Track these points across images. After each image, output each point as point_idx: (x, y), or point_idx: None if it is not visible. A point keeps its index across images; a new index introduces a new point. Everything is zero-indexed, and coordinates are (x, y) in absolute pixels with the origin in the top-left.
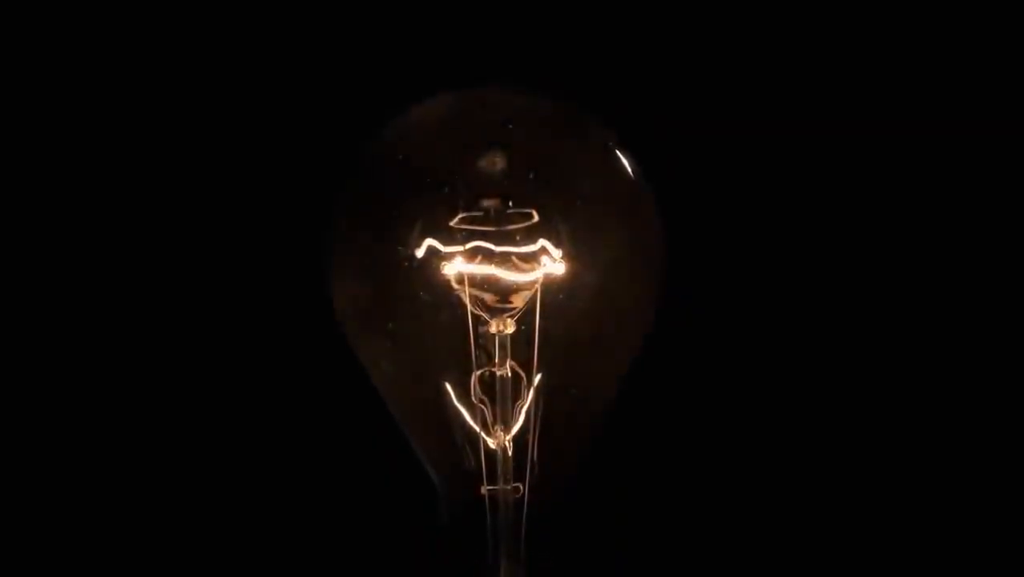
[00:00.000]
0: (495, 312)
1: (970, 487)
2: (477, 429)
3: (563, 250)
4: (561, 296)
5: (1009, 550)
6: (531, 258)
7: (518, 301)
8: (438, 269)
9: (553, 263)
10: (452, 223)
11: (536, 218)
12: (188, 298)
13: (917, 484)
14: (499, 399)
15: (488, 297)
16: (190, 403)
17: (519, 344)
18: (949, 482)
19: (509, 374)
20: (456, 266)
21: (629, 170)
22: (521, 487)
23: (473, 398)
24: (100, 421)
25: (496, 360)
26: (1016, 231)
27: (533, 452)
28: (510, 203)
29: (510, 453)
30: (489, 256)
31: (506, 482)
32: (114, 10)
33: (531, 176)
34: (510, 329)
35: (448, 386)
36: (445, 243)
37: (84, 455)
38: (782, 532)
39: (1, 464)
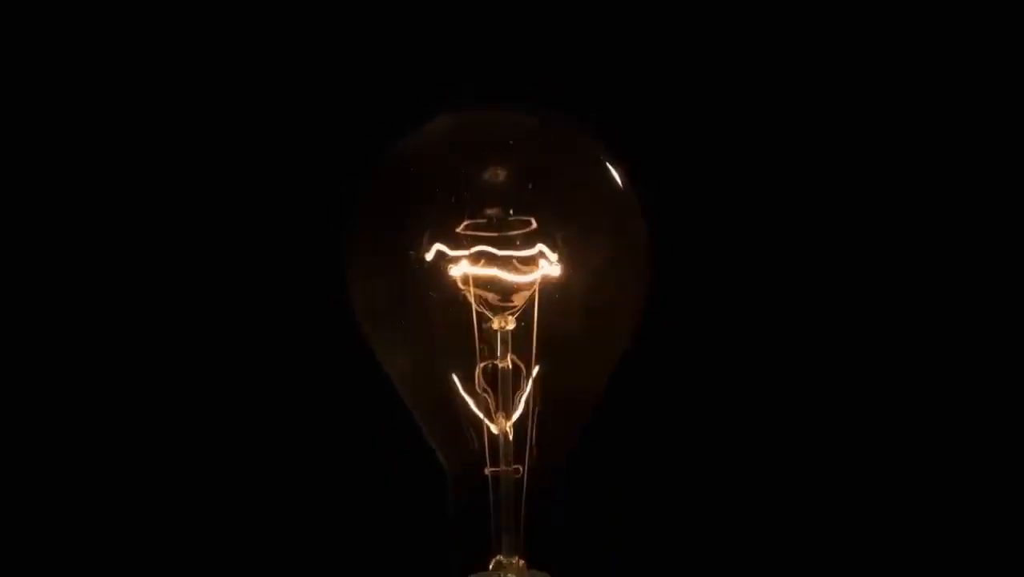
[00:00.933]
0: (497, 310)
1: (957, 486)
2: (481, 416)
3: (559, 254)
4: (557, 295)
5: (1008, 550)
6: (530, 261)
7: (518, 300)
8: (446, 271)
9: (550, 266)
10: (458, 230)
11: (534, 225)
12: (221, 300)
13: (907, 481)
14: (501, 389)
15: (491, 296)
16: (218, 396)
17: (519, 339)
18: (937, 479)
19: (510, 366)
20: (462, 268)
21: (618, 181)
22: (520, 468)
23: (477, 388)
24: (116, 415)
25: (498, 353)
26: (996, 232)
27: (531, 437)
28: (511, 212)
29: (510, 437)
30: (492, 259)
31: (507, 464)
32: (157, 29)
33: (530, 187)
34: (511, 325)
35: (455, 377)
36: (452, 248)
37: (91, 451)
38: (764, 506)
39: (31, 464)
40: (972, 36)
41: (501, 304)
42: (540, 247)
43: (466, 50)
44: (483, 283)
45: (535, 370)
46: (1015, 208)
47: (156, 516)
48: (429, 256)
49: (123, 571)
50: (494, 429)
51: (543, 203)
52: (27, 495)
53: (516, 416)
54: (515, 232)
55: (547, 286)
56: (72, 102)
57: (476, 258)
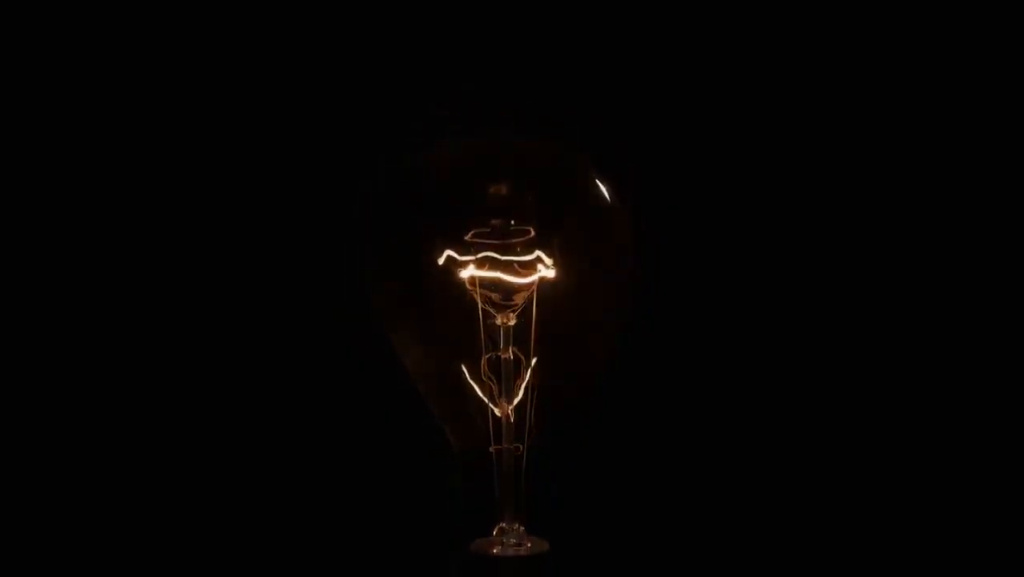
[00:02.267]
0: (500, 308)
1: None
2: (486, 401)
3: (554, 259)
4: (553, 295)
5: (1007, 549)
6: (529, 265)
7: (519, 299)
8: (455, 274)
9: (547, 269)
10: (466, 238)
11: (533, 234)
12: (253, 302)
13: (901, 480)
14: (503, 377)
15: (495, 296)
16: (249, 384)
17: (519, 333)
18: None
19: (511, 357)
20: (469, 271)
21: (607, 194)
22: (521, 446)
23: (483, 376)
24: (127, 409)
25: (501, 346)
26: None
27: (530, 419)
28: (512, 222)
29: (512, 419)
30: (495, 263)
31: (509, 442)
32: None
33: (529, 200)
34: (512, 322)
35: (463, 367)
36: (461, 253)
37: (95, 447)
38: (752, 479)
39: (41, 464)
40: (960, 36)
41: (504, 303)
42: (538, 253)
43: (471, 64)
44: (488, 284)
45: (533, 361)
46: (1009, 208)
47: (178, 505)
48: (441, 261)
49: (131, 562)
50: (497, 412)
51: (541, 215)
52: (43, 495)
53: (517, 400)
54: (516, 240)
55: (544, 287)
56: (102, 112)
57: (482, 263)
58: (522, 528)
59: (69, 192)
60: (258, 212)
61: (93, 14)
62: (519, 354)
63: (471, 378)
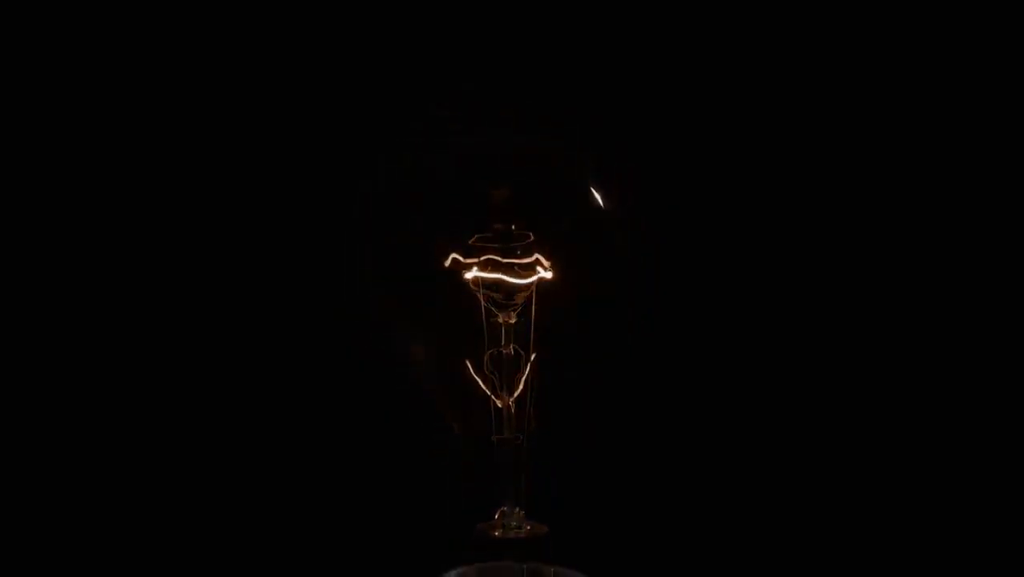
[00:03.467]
0: (502, 307)
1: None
2: (488, 393)
3: (552, 262)
4: (551, 296)
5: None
6: (529, 268)
7: (519, 299)
8: (460, 275)
9: (545, 271)
10: (470, 241)
11: (532, 238)
12: (254, 302)
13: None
14: (505, 371)
15: (497, 296)
16: (250, 382)
17: (520, 331)
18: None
19: (512, 353)
20: (473, 273)
21: (600, 200)
22: (521, 436)
23: (485, 370)
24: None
25: (502, 342)
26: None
27: (530, 411)
28: (513, 226)
29: (512, 411)
30: (497, 266)
31: (509, 432)
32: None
33: (529, 205)
34: (513, 320)
35: (467, 362)
36: (465, 256)
37: (93, 448)
38: (744, 467)
39: (44, 465)
40: (957, 36)
41: (505, 302)
42: (537, 256)
43: (471, 64)
44: (490, 285)
45: (533, 356)
46: (1013, 208)
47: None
48: (446, 263)
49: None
50: (499, 404)
51: (540, 220)
52: (27, 496)
53: (517, 393)
54: (517, 243)
55: (543, 288)
56: (101, 112)
57: (485, 265)
58: (522, 512)
59: (68, 192)
60: (258, 212)
61: (92, 13)
62: (519, 350)
63: (474, 372)
